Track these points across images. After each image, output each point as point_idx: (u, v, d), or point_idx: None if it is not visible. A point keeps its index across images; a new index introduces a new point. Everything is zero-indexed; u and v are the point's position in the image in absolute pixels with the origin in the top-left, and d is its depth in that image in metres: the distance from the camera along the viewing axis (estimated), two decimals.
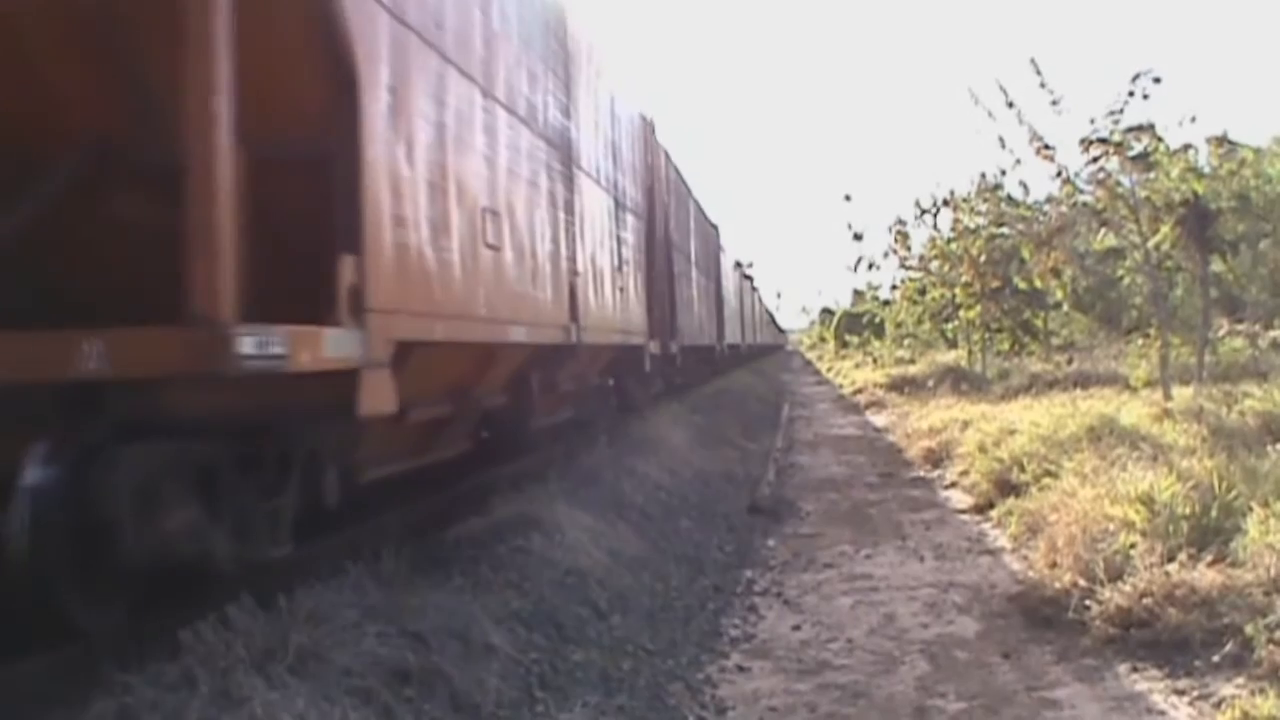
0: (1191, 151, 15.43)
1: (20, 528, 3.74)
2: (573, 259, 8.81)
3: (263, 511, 4.65)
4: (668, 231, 16.15)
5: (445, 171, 5.61)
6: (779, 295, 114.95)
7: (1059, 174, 14.18)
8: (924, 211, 20.84)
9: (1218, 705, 4.62)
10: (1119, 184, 13.82)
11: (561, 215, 8.46)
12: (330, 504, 5.07)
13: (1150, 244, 14.24)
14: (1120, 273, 18.11)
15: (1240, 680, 4.81)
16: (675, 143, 25.68)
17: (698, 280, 21.24)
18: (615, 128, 11.56)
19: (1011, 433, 11.75)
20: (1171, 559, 5.98)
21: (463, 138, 5.92)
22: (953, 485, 11.64)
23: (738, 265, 38.24)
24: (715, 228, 28.21)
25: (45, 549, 3.79)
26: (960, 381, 23.01)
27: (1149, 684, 5.02)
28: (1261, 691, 4.48)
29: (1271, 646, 4.85)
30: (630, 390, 13.58)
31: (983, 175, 19.28)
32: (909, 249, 22.36)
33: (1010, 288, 22.55)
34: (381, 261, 4.65)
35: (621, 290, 11.07)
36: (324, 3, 4.23)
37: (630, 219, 12.19)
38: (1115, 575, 5.93)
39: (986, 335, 25.57)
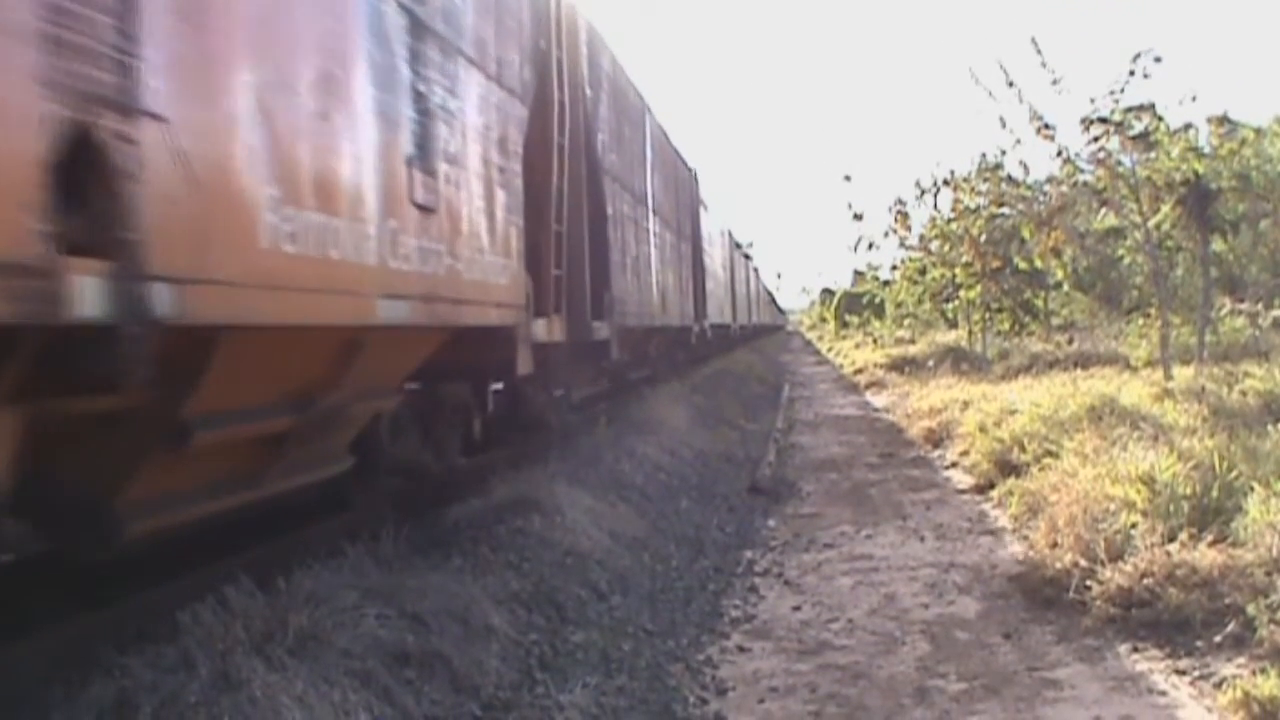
0: (1192, 131, 15.41)
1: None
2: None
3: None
4: (592, 146, 10.18)
5: None
6: (779, 276, 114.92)
7: (1059, 154, 14.14)
8: (924, 191, 20.71)
9: (1219, 685, 4.61)
10: (1119, 163, 13.78)
11: None
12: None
13: (1151, 224, 14.21)
14: (1121, 252, 18.09)
15: (1241, 660, 4.81)
16: (674, 125, 22.59)
17: (660, 235, 15.53)
18: None
19: (1012, 413, 11.74)
20: (1172, 539, 5.97)
21: None
22: (953, 465, 11.63)
23: (729, 236, 33.77)
24: (693, 173, 22.25)
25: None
26: (960, 361, 23.02)
27: (1150, 664, 5.01)
28: (1263, 671, 4.48)
29: (1273, 626, 4.84)
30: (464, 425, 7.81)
31: (983, 155, 19.17)
32: (909, 229, 22.20)
33: (1011, 267, 22.48)
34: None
35: (433, 211, 5.31)
36: None
37: (475, 81, 6.25)
38: (1116, 555, 5.92)
39: (987, 315, 25.53)
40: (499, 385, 7.99)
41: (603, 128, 11.09)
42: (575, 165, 9.26)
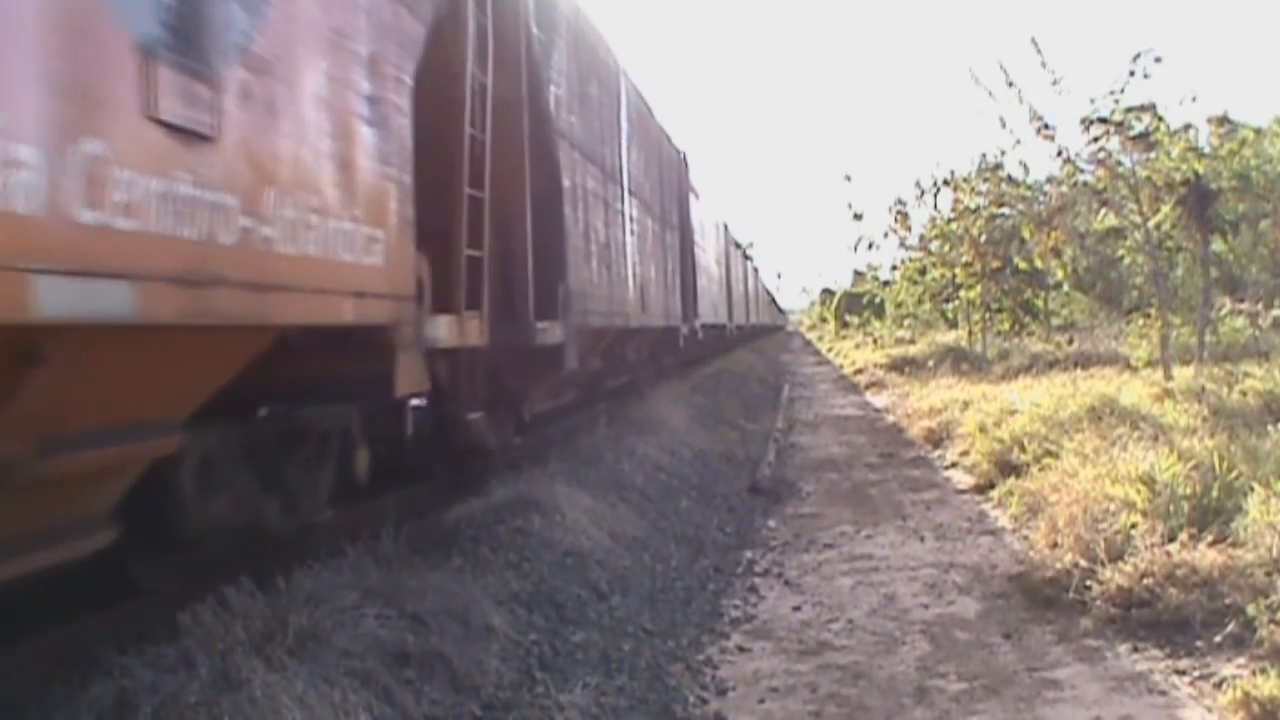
0: (1192, 131, 15.42)
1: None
2: None
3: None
4: (540, 100, 8.15)
5: None
6: (779, 276, 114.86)
7: (1059, 154, 14.16)
8: (924, 191, 20.75)
9: (1219, 685, 4.61)
10: (1119, 164, 13.79)
11: None
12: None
13: (1151, 224, 14.22)
14: (1121, 252, 18.08)
15: (1241, 660, 4.81)
16: (674, 125, 20.84)
17: (639, 221, 13.20)
18: None
19: (1012, 413, 11.74)
20: (1172, 539, 5.97)
21: None
22: (953, 465, 11.63)
23: (725, 229, 30.80)
24: (682, 156, 19.73)
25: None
26: (960, 361, 23.02)
27: (1150, 664, 5.01)
28: (1263, 671, 4.48)
29: (1273, 627, 4.84)
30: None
31: (983, 155, 19.20)
32: (909, 229, 22.27)
33: (1011, 268, 22.52)
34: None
35: (207, 139, 3.39)
36: None
37: None
38: (1116, 555, 5.93)
39: (987, 315, 25.55)
40: (419, 402, 6.29)
41: (558, 81, 8.85)
42: (510, 118, 7.28)
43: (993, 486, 9.71)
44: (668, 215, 16.75)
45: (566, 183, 8.75)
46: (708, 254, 23.60)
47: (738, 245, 38.47)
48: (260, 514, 5.02)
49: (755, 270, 52.08)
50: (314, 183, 4.07)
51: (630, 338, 13.32)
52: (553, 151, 8.40)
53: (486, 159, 6.48)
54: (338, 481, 5.69)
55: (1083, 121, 13.54)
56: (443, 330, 5.72)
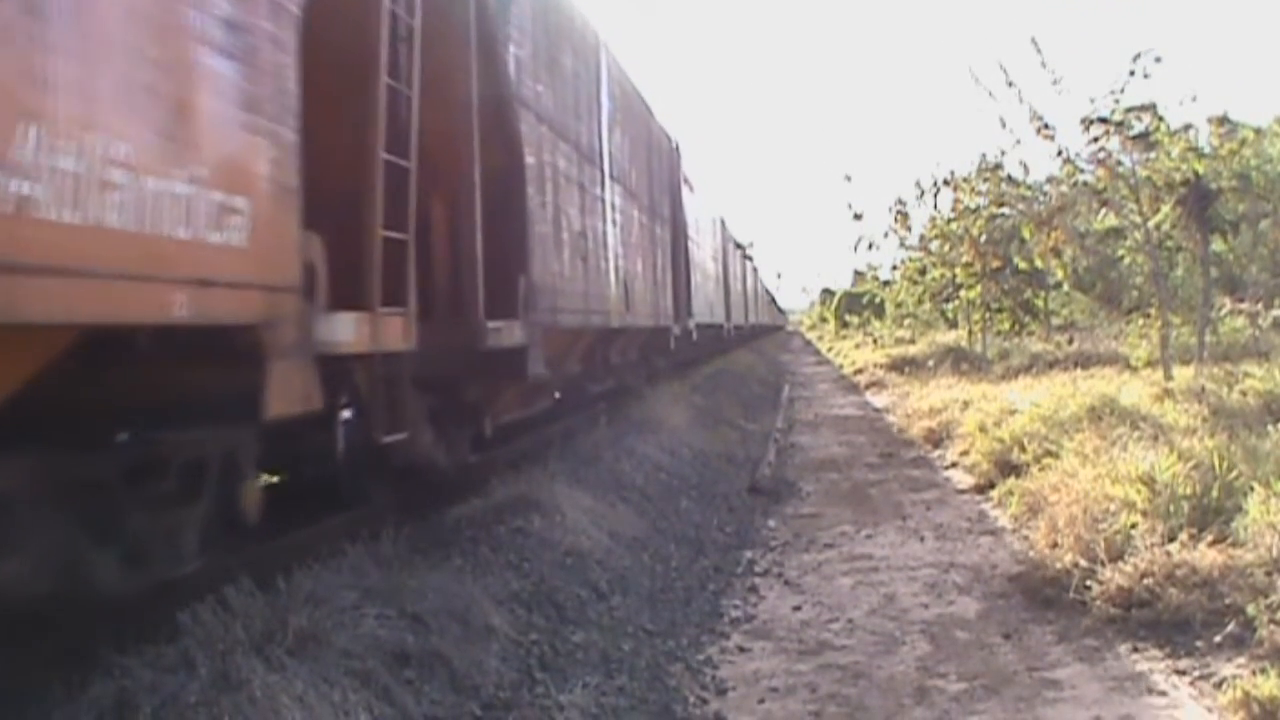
0: (1192, 131, 15.39)
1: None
2: None
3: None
4: (495, 58, 6.91)
5: None
6: (779, 276, 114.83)
7: (1059, 154, 14.14)
8: (924, 191, 20.72)
9: (1219, 685, 4.62)
10: (1120, 163, 13.79)
11: None
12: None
13: (1151, 224, 14.21)
14: (1121, 252, 18.08)
15: (1241, 660, 4.81)
16: (674, 125, 19.46)
17: (623, 211, 11.96)
18: None
19: (1012, 413, 11.74)
20: (1172, 539, 5.97)
21: None
22: (953, 465, 11.63)
23: (722, 225, 29.31)
24: (674, 145, 18.29)
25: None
26: (960, 361, 23.01)
27: (1150, 664, 5.02)
28: (1263, 671, 4.47)
29: (1273, 626, 4.84)
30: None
31: (983, 155, 19.19)
32: (909, 229, 22.22)
33: (1011, 267, 22.49)
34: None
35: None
36: None
37: None
38: (1116, 555, 5.93)
39: (987, 315, 25.53)
40: (346, 414, 5.20)
41: (520, 41, 7.56)
42: (452, 73, 6.19)
43: (993, 486, 9.71)
44: (657, 206, 15.35)
45: (530, 159, 7.40)
46: (703, 250, 22.23)
47: (739, 246, 37.79)
48: (85, 571, 3.74)
49: (755, 270, 51.37)
50: (118, 124, 2.94)
51: (614, 339, 12.04)
52: (512, 121, 7.05)
53: (413, 120, 5.25)
54: (217, 521, 4.30)
55: (1083, 121, 13.53)
56: (346, 331, 4.49)
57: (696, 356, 22.84)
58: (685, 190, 19.32)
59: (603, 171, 10.83)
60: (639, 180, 13.73)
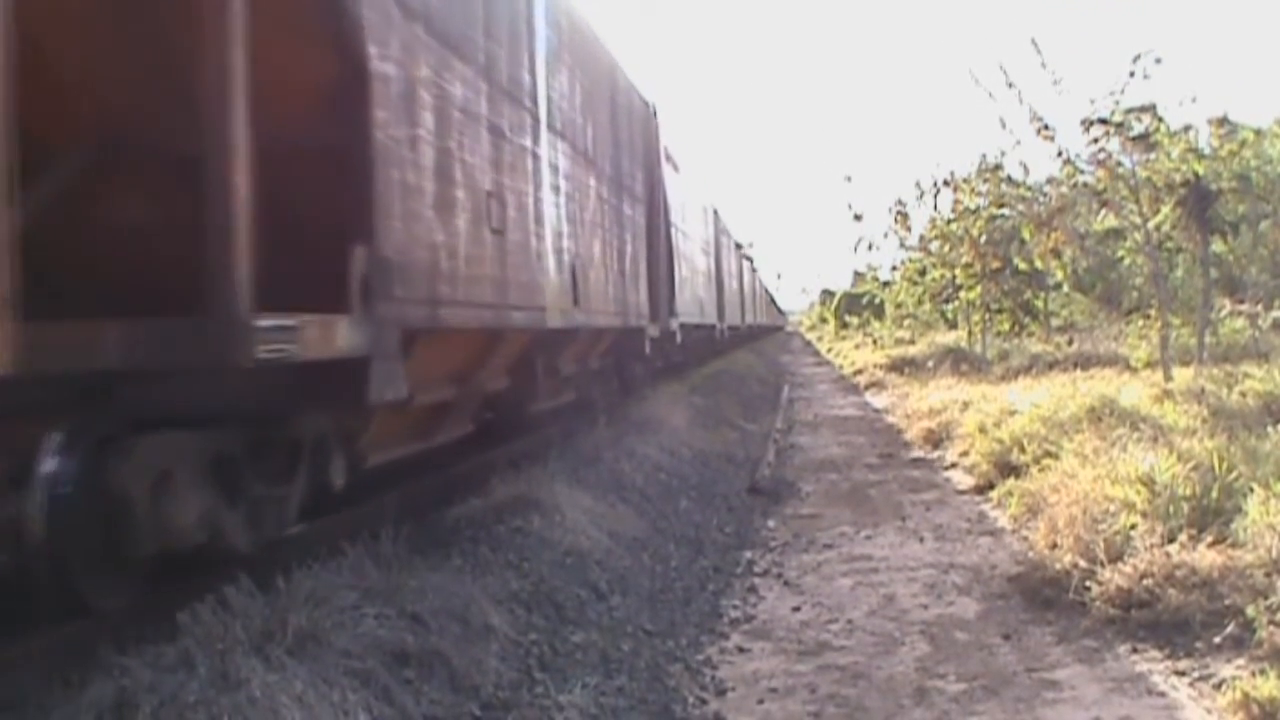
0: (1192, 132, 15.40)
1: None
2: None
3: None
4: None
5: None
6: (779, 276, 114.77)
7: (1059, 154, 14.16)
8: (924, 192, 20.76)
9: (1218, 686, 4.62)
10: (1120, 164, 13.79)
11: None
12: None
13: (1151, 224, 14.22)
14: (1120, 253, 18.12)
15: (1241, 661, 4.81)
16: (673, 125, 18.08)
17: (572, 176, 9.28)
18: None
19: (1012, 413, 11.74)
20: (1172, 540, 5.97)
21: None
22: (953, 466, 11.63)
23: (715, 214, 26.50)
24: (650, 108, 15.22)
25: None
26: (960, 362, 23.02)
27: (1149, 665, 5.02)
28: (1262, 673, 4.48)
29: (1272, 628, 4.84)
30: None
31: (983, 156, 19.23)
32: (909, 230, 22.29)
33: (1010, 268, 22.53)
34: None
35: None
36: None
37: None
38: (1116, 556, 5.93)
39: (987, 316, 25.55)
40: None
41: None
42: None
43: (992, 487, 9.71)
44: (626, 181, 12.39)
45: (385, 68, 4.95)
46: (691, 241, 19.80)
47: (738, 246, 36.91)
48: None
49: (754, 268, 50.16)
50: None
51: (563, 344, 9.64)
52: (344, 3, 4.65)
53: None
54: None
55: (1083, 122, 13.54)
56: None
57: (684, 361, 20.51)
58: (668, 169, 16.60)
59: (537, 119, 7.93)
60: (599, 143, 10.76)
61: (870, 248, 21.91)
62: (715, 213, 27.01)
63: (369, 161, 4.69)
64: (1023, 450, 9.71)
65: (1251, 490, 6.40)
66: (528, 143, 7.65)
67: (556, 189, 8.54)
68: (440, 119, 5.68)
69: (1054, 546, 6.67)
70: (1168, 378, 13.07)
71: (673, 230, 16.58)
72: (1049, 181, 16.00)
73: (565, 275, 8.65)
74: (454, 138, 5.93)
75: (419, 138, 5.35)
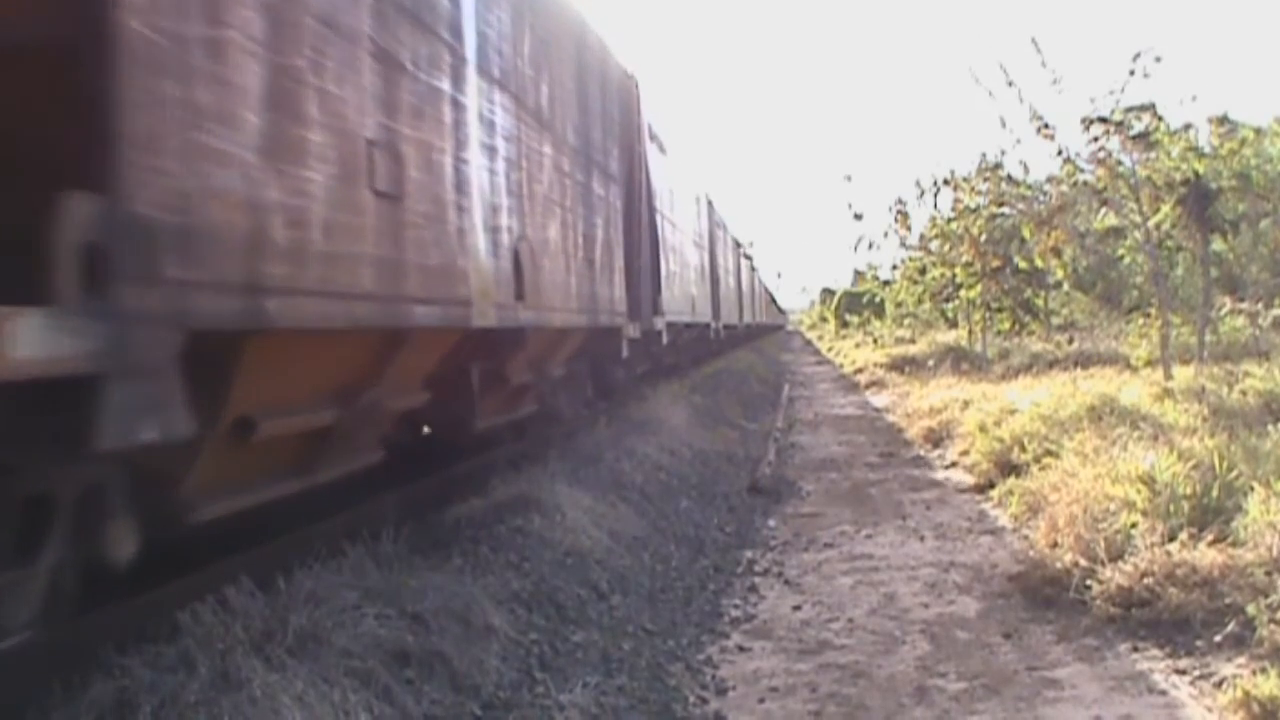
0: (1192, 131, 15.42)
1: None
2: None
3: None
4: None
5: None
6: (779, 275, 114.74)
7: (1059, 153, 14.16)
8: (924, 191, 20.77)
9: (1219, 685, 4.61)
10: (1120, 163, 13.80)
11: None
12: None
13: (1151, 223, 14.22)
14: (1121, 252, 18.11)
15: (1241, 660, 4.80)
16: (673, 125, 17.29)
17: (510, 133, 7.16)
18: None
19: (1012, 412, 11.74)
20: (1172, 538, 5.97)
21: None
22: (953, 465, 11.63)
23: (708, 205, 24.73)
24: (631, 78, 13.32)
25: None
26: (961, 361, 23.02)
27: (1150, 663, 5.01)
28: (1263, 671, 4.47)
29: (1273, 626, 4.83)
30: None
31: (983, 155, 19.25)
32: (909, 229, 22.30)
33: (1011, 267, 22.53)
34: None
35: None
36: None
37: None
38: (1116, 555, 5.93)
39: (987, 315, 25.55)
40: None
41: None
42: None
43: (993, 486, 9.71)
44: (598, 157, 10.55)
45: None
46: (681, 232, 18.08)
47: (738, 244, 36.33)
48: None
49: (752, 263, 48.06)
50: None
51: (508, 347, 7.53)
52: None
53: None
54: None
55: (1083, 121, 13.54)
56: None
57: (675, 363, 18.68)
58: (653, 149, 14.93)
59: (460, 57, 6.19)
60: (560, 106, 8.89)
61: (870, 247, 21.93)
62: (710, 203, 25.47)
63: (109, 63, 2.98)
64: (1023, 449, 9.71)
65: (1252, 489, 6.39)
66: (444, 85, 5.80)
67: (491, 151, 6.60)
68: (277, 24, 3.92)
69: (1054, 545, 6.66)
70: (1168, 376, 13.06)
71: (658, 218, 14.96)
72: (1049, 180, 16.02)
73: (504, 261, 6.73)
74: (304, 55, 4.12)
75: (228, 43, 3.57)
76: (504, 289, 6.70)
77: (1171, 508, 6.37)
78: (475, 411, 7.27)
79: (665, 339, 15.15)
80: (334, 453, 5.16)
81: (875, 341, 41.51)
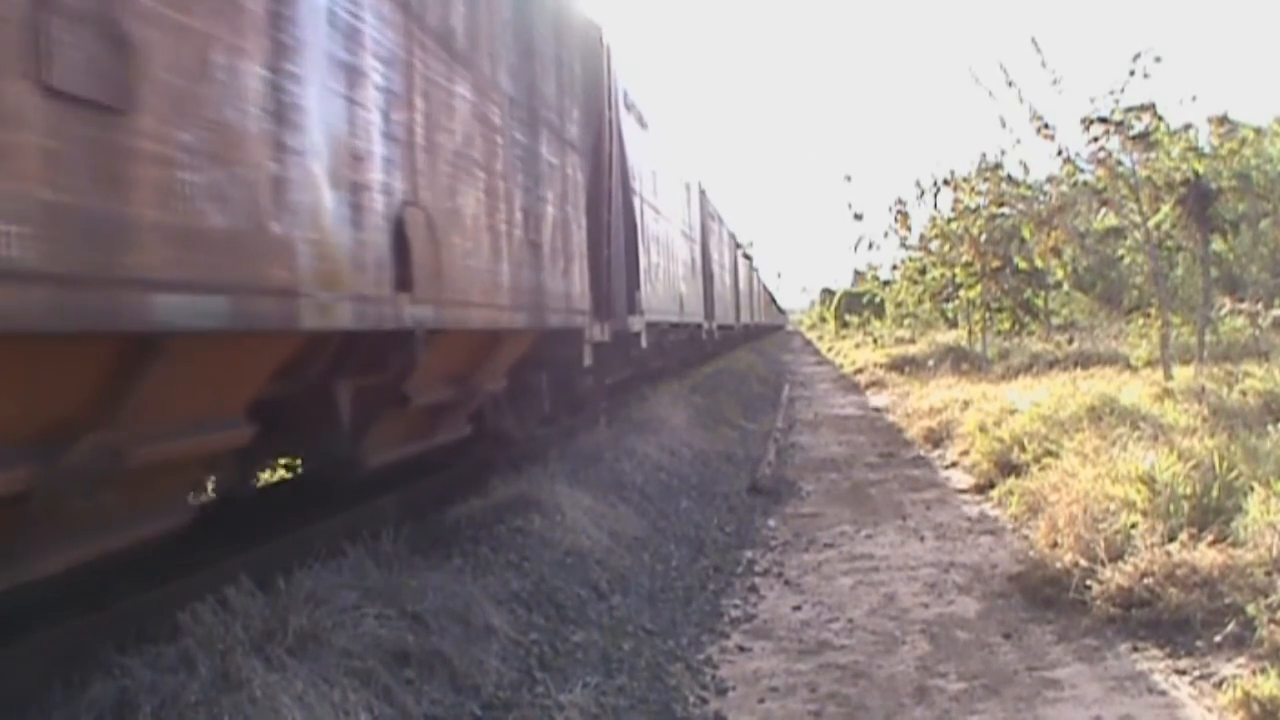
0: (1192, 131, 15.42)
1: None
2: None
3: None
4: None
5: None
6: (779, 275, 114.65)
7: (1059, 153, 14.16)
8: (924, 191, 20.77)
9: (1219, 685, 4.61)
10: (1120, 163, 13.79)
11: None
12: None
13: (1151, 223, 14.22)
14: (1121, 252, 18.11)
15: (1241, 660, 4.80)
16: (673, 125, 16.87)
17: (428, 74, 5.25)
18: None
19: (1012, 412, 11.74)
20: (1172, 539, 5.97)
21: None
22: (953, 465, 11.63)
23: (701, 194, 22.72)
24: (600, 37, 10.80)
25: None
26: (961, 361, 23.01)
27: (1150, 664, 5.01)
28: (1263, 671, 4.48)
29: (1273, 626, 4.84)
30: None
31: (983, 155, 19.26)
32: (909, 229, 22.29)
33: (1011, 267, 22.52)
34: None
35: None
36: None
37: None
38: (1116, 555, 5.93)
39: (987, 315, 25.55)
40: None
41: None
42: None
43: (993, 486, 9.71)
44: (549, 116, 8.08)
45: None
46: (667, 221, 16.07)
47: (738, 244, 35.59)
48: None
49: (750, 261, 45.39)
50: None
51: (400, 353, 5.29)
52: None
53: None
54: None
55: (1083, 121, 13.54)
56: None
57: (661, 368, 16.60)
58: (629, 120, 12.65)
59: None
60: (485, 40, 6.51)
61: (870, 247, 21.91)
62: (702, 191, 22.98)
63: None
64: (1023, 449, 9.71)
65: (1252, 489, 6.39)
66: (353, 27, 4.36)
67: (354, 73, 4.40)
68: None
69: (1054, 545, 6.66)
70: (1168, 376, 13.06)
71: (637, 201, 12.66)
72: (1049, 180, 16.01)
73: (374, 234, 4.55)
74: None
75: None
76: (374, 274, 4.54)
77: (1171, 508, 6.37)
78: (357, 445, 5.43)
79: (645, 342, 12.93)
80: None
81: (875, 341, 41.51)
